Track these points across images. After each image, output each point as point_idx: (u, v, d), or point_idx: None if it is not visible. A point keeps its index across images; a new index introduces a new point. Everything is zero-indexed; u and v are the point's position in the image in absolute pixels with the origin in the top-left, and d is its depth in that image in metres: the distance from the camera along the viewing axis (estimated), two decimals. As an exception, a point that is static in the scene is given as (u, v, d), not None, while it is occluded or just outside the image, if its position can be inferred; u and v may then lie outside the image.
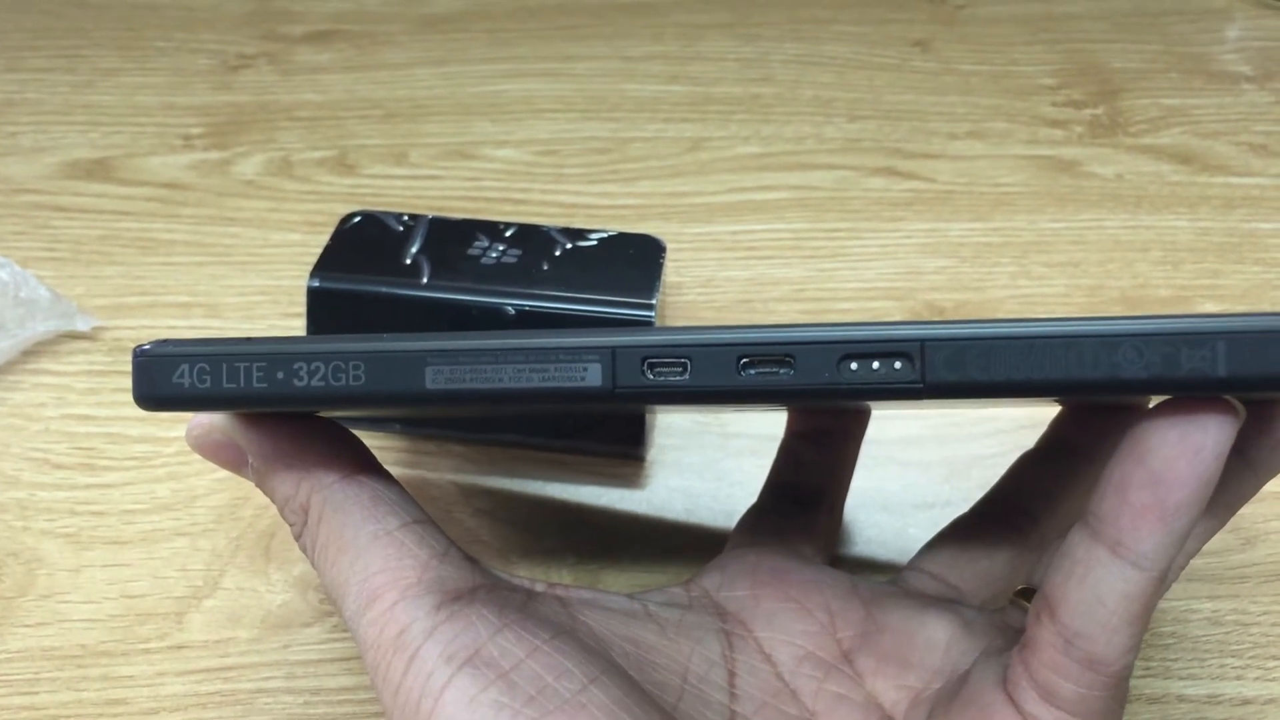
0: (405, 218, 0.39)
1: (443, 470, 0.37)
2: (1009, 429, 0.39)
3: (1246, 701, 0.31)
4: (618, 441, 0.37)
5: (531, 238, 0.39)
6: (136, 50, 0.57)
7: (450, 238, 0.38)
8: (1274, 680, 0.32)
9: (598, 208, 0.48)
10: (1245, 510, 0.36)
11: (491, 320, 0.36)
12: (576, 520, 0.36)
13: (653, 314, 0.36)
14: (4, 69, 0.55)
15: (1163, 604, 0.34)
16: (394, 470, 0.36)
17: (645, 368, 0.21)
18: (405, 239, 0.38)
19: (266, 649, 0.32)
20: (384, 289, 0.37)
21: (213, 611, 0.33)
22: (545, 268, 0.37)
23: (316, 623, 0.33)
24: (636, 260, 0.38)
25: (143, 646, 0.32)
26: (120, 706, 0.31)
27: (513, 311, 0.36)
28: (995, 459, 0.38)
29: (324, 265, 0.37)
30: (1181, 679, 0.32)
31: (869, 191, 0.49)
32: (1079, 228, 0.46)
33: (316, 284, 0.37)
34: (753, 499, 0.36)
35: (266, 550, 0.34)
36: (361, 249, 0.38)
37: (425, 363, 0.21)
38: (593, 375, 0.21)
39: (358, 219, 0.39)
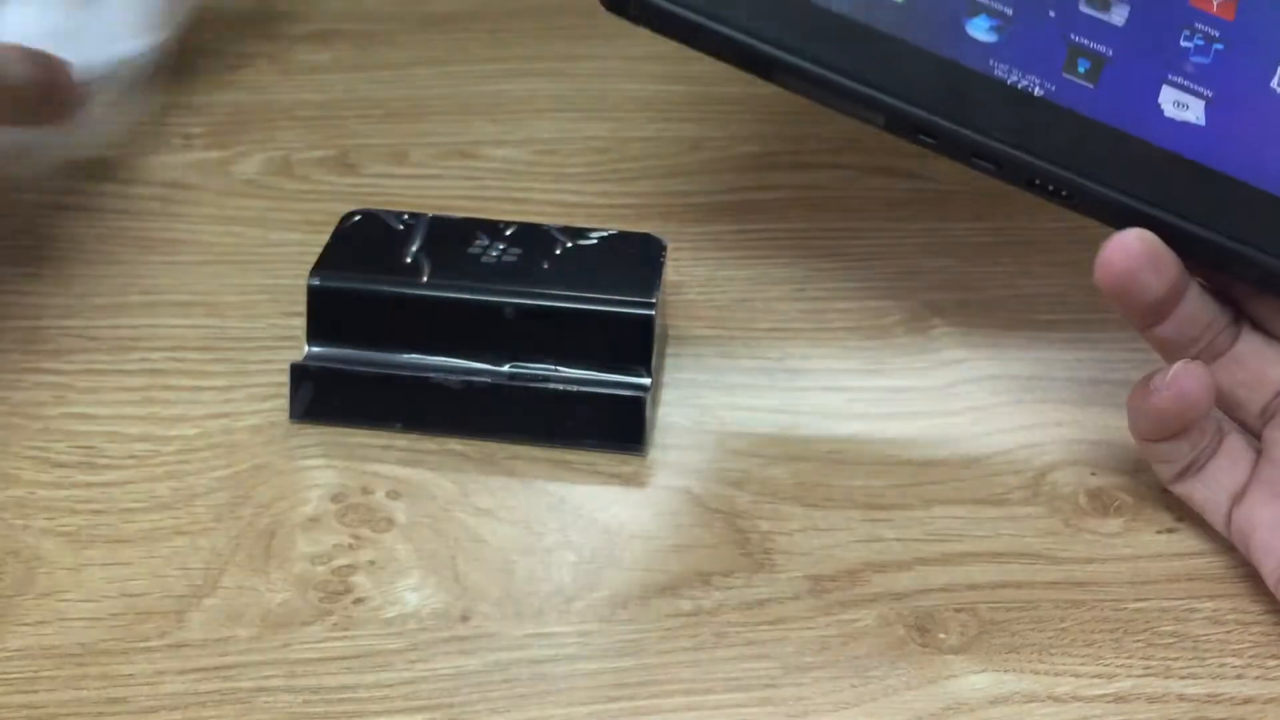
0: (405, 216, 0.39)
1: (443, 470, 0.37)
2: (1009, 428, 0.39)
3: (1247, 700, 0.31)
4: (618, 440, 0.37)
5: (532, 236, 0.39)
6: (137, 50, 0.57)
7: (451, 236, 0.38)
8: (1275, 679, 0.32)
9: (598, 207, 0.48)
10: (1245, 509, 0.36)
11: (491, 319, 0.36)
12: (576, 520, 0.36)
13: (653, 313, 0.36)
14: (4, 69, 0.55)
15: (1163, 603, 0.34)
16: (394, 469, 0.37)
17: (913, 131, 0.33)
18: (406, 238, 0.38)
19: (266, 647, 0.32)
20: (385, 288, 0.37)
21: (212, 610, 0.33)
22: (546, 266, 0.37)
23: (316, 621, 0.33)
24: (637, 259, 0.38)
25: (142, 645, 0.32)
26: (120, 705, 0.30)
27: (511, 311, 0.36)
28: (995, 459, 0.38)
29: (325, 264, 0.37)
30: (1182, 678, 0.32)
31: (869, 191, 0.49)
32: (1079, 227, 0.46)
33: (317, 283, 0.37)
34: (753, 499, 0.36)
35: (266, 549, 0.34)
36: (362, 248, 0.38)
37: (775, 67, 0.34)
38: (876, 119, 0.33)
39: (358, 218, 0.39)
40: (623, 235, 0.39)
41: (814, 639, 0.33)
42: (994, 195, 0.48)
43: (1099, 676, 0.32)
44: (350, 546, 0.35)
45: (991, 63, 0.33)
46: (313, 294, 0.37)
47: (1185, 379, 0.32)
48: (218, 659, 0.32)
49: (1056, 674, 0.32)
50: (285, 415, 0.38)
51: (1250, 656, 0.32)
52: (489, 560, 0.34)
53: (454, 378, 0.37)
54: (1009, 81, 0.33)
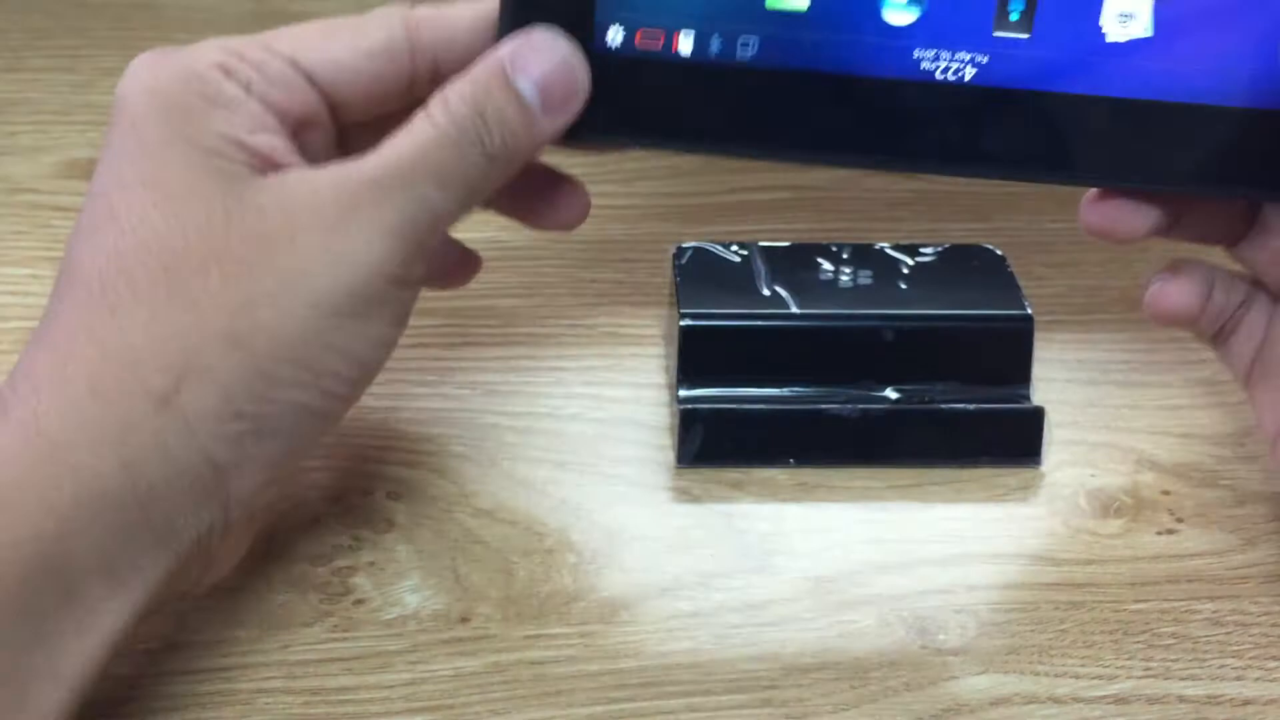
0: (734, 247, 0.39)
1: (443, 470, 0.37)
2: (1009, 429, 0.39)
3: (1247, 702, 0.31)
4: (1014, 456, 0.37)
5: (870, 257, 0.39)
6: (136, 50, 0.56)
7: (795, 264, 0.38)
8: (1274, 681, 0.32)
9: (598, 208, 0.47)
10: (1246, 511, 0.36)
11: (872, 344, 0.37)
12: (576, 521, 0.36)
13: (1032, 325, 0.37)
14: (4, 69, 0.55)
15: (1163, 604, 0.34)
16: (394, 470, 0.37)
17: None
18: (748, 270, 0.38)
19: (266, 649, 0.32)
20: (758, 323, 0.37)
21: (212, 611, 0.33)
22: (904, 287, 0.38)
23: (316, 622, 0.33)
24: (984, 271, 0.39)
25: (143, 646, 0.32)
26: (120, 706, 0.30)
27: (891, 334, 0.37)
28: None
29: (687, 304, 0.37)
30: (1182, 679, 0.32)
31: (869, 191, 0.49)
32: (1079, 228, 0.46)
33: (688, 324, 0.37)
34: (753, 499, 0.36)
35: (266, 550, 0.34)
36: (712, 283, 0.38)
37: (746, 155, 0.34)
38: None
39: (690, 252, 0.39)
40: (958, 248, 0.39)
41: (814, 639, 0.33)
42: (994, 195, 0.48)
43: (1099, 678, 0.32)
44: (350, 547, 0.35)
45: (916, 55, 0.30)
46: (685, 334, 0.36)
47: (1161, 302, 0.33)
48: (218, 659, 0.32)
49: (1056, 675, 0.32)
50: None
51: (1250, 658, 0.32)
52: (489, 561, 0.34)
53: (849, 407, 0.37)
54: (938, 75, 0.30)
